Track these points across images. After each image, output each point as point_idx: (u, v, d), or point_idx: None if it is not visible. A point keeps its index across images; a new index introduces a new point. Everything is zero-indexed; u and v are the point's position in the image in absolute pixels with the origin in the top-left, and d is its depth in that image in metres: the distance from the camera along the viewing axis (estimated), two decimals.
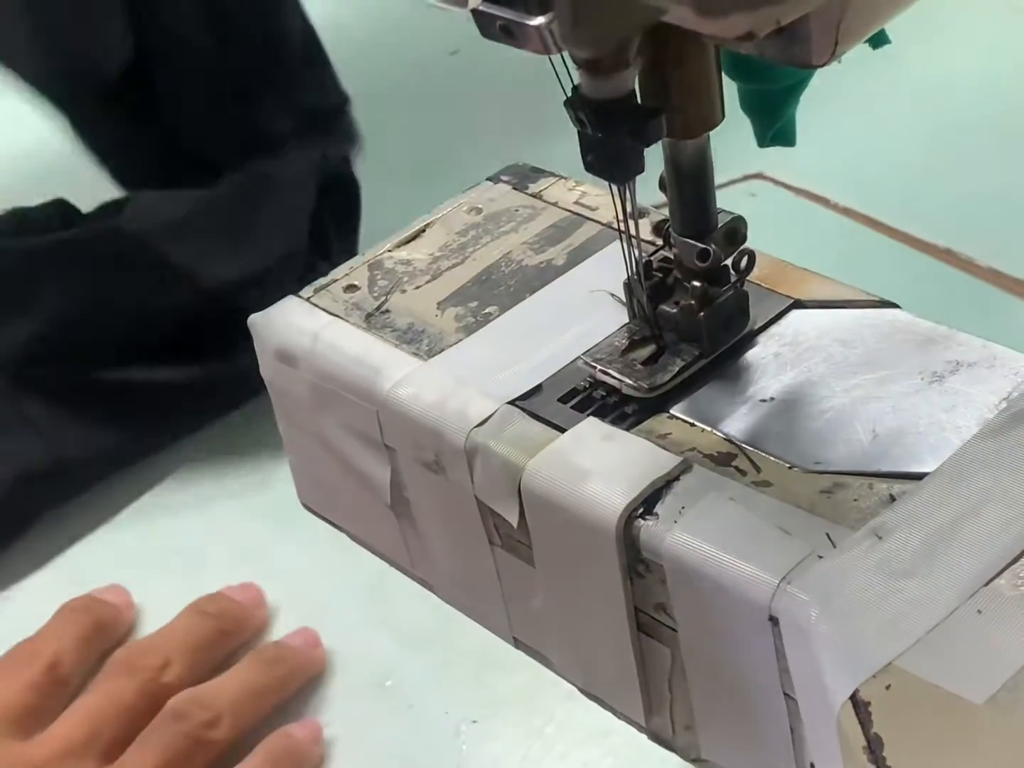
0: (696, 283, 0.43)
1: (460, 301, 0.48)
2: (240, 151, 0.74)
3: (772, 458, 0.40)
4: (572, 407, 0.43)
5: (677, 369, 0.43)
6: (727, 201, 0.44)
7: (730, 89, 0.42)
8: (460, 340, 0.46)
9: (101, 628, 0.62)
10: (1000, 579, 0.35)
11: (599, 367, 0.44)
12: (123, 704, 0.57)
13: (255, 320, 0.49)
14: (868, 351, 0.43)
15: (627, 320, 0.45)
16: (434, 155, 0.90)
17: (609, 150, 0.38)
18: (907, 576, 0.36)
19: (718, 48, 0.39)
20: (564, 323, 0.46)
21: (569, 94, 0.38)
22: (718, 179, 0.43)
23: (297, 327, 0.48)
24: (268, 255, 0.74)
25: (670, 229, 0.43)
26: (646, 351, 0.44)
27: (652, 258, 0.44)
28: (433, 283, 0.49)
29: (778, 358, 0.44)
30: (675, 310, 0.43)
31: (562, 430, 0.42)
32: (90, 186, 0.76)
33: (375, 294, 0.49)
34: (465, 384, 0.44)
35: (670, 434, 0.42)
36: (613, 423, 0.42)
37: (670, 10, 0.27)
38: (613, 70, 0.37)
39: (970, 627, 0.35)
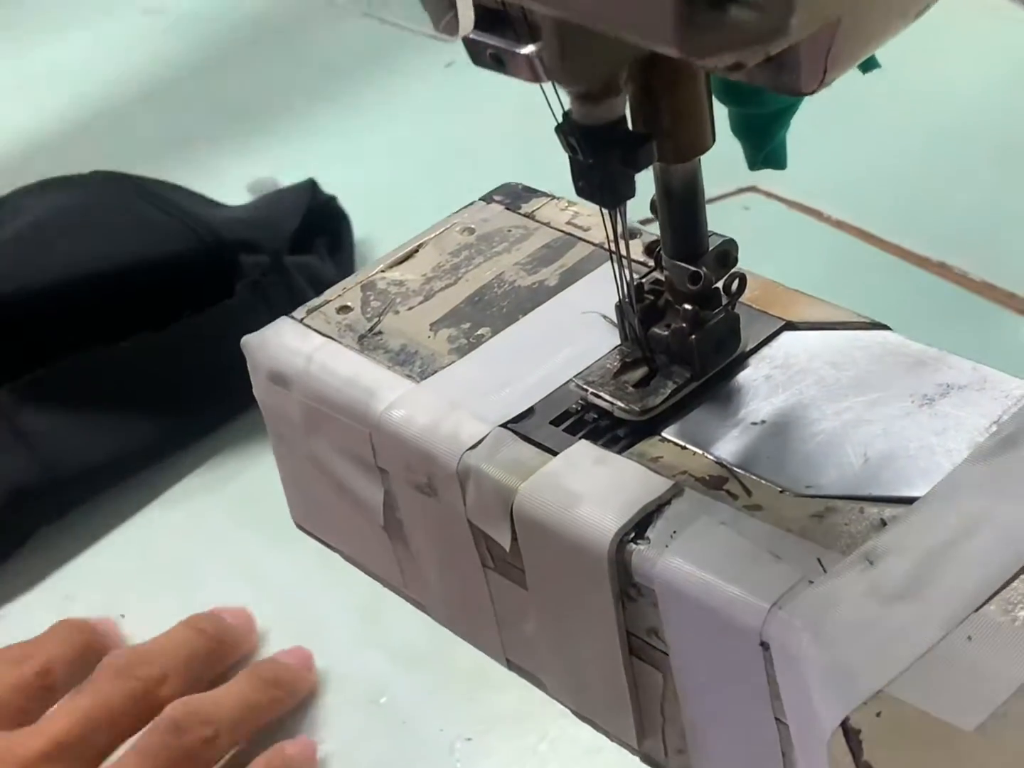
0: (687, 306, 0.43)
1: (453, 322, 0.48)
2: None
3: (763, 482, 0.40)
4: (564, 430, 0.43)
5: (669, 392, 0.43)
6: (719, 215, 0.44)
7: (721, 110, 0.42)
8: (453, 362, 0.46)
9: (99, 647, 0.61)
10: (990, 605, 0.35)
11: (591, 390, 0.44)
12: (115, 709, 0.56)
13: (248, 341, 0.49)
14: (859, 373, 0.43)
15: (619, 342, 0.45)
16: (427, 171, 0.90)
17: (600, 175, 0.39)
18: (898, 601, 0.36)
19: (708, 73, 0.39)
20: (556, 345, 0.46)
21: (560, 120, 0.38)
22: (710, 192, 0.43)
23: (290, 348, 0.48)
24: None
25: (661, 252, 0.44)
26: (638, 374, 0.44)
27: (643, 280, 0.44)
28: (426, 304, 0.49)
29: (769, 380, 0.44)
30: (666, 333, 0.43)
31: (554, 453, 0.42)
32: None
33: (368, 315, 0.49)
34: (457, 407, 0.44)
35: (661, 457, 0.42)
36: (605, 446, 0.42)
37: (657, 48, 0.28)
38: (603, 97, 0.37)
39: (960, 653, 0.35)
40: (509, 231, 0.52)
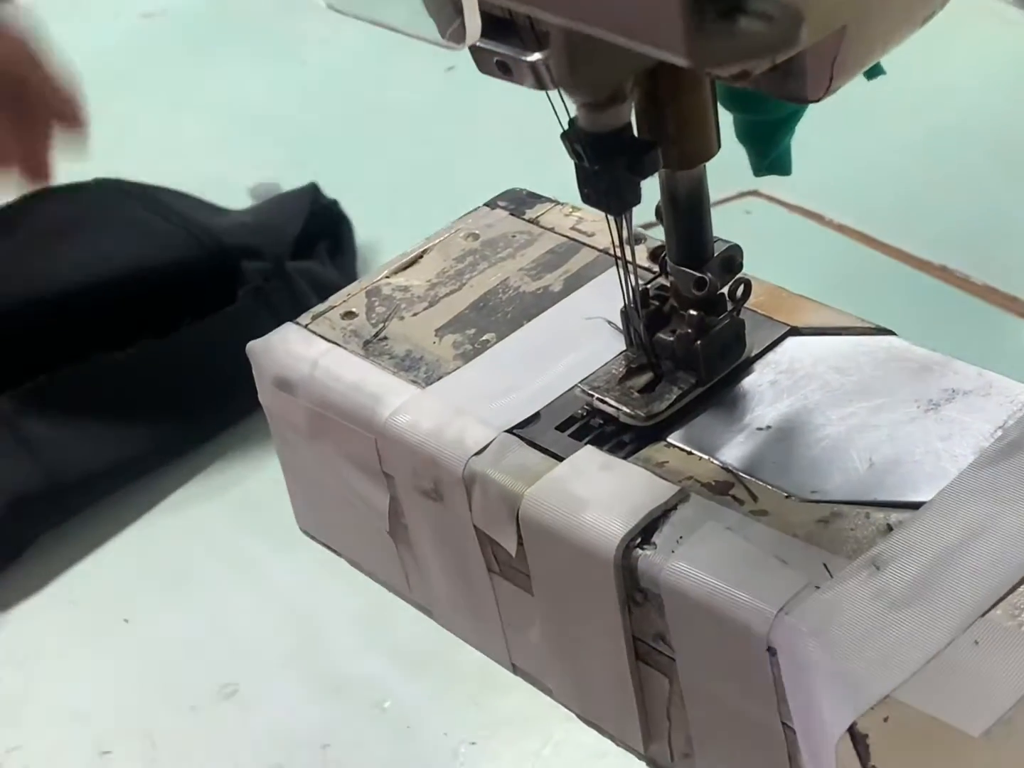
0: (693, 312, 0.43)
1: (458, 328, 0.48)
2: None
3: (769, 487, 0.41)
4: (570, 435, 0.43)
5: (674, 397, 0.43)
6: (722, 219, 0.44)
7: (726, 117, 0.42)
8: (458, 367, 0.46)
9: None
10: (997, 610, 0.36)
11: (596, 395, 0.44)
12: None
13: (253, 347, 0.49)
14: (864, 379, 0.43)
15: (624, 348, 0.45)
16: (429, 175, 0.90)
17: (606, 182, 0.39)
18: (904, 607, 0.36)
19: (714, 81, 0.40)
20: (561, 350, 0.46)
21: (565, 127, 0.38)
22: (713, 196, 0.43)
23: (295, 354, 0.48)
24: None
25: (666, 257, 0.44)
26: (643, 379, 0.44)
27: (649, 286, 0.44)
28: (431, 310, 0.49)
29: (774, 386, 0.44)
30: (672, 338, 0.43)
31: (560, 458, 0.42)
32: None
33: (373, 321, 0.49)
34: (463, 412, 0.44)
35: (667, 462, 0.42)
36: (611, 451, 0.42)
37: (667, 58, 0.28)
38: (609, 104, 0.37)
39: (967, 658, 0.35)
40: (513, 237, 0.52)
